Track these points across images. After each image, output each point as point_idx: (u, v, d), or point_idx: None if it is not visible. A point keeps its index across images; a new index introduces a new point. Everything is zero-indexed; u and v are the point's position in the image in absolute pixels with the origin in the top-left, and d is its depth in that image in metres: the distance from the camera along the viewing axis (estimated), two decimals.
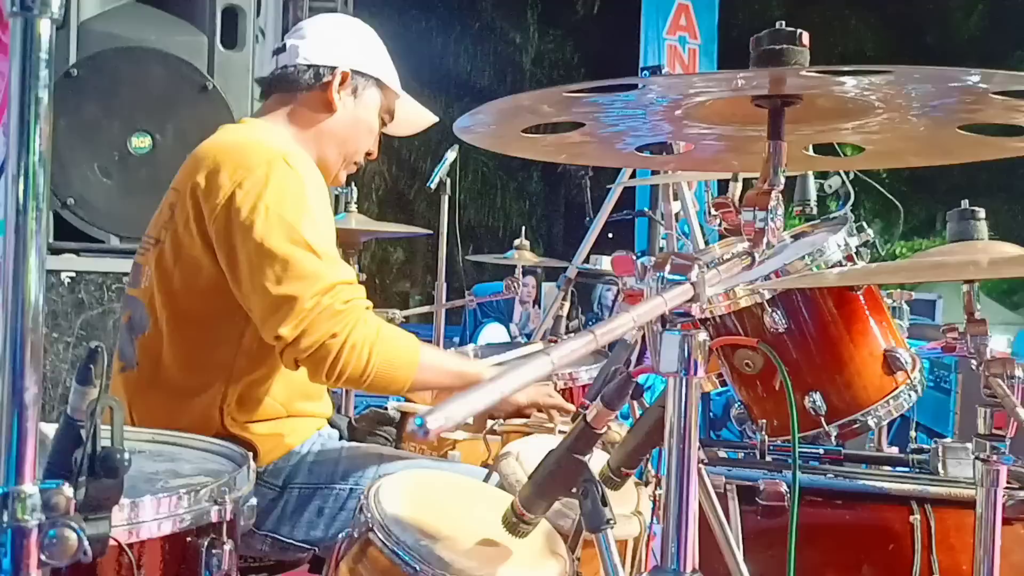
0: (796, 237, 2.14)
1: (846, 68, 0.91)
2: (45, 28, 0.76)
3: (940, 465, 1.85)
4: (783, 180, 1.06)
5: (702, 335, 0.90)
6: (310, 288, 1.71)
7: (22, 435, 0.77)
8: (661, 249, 4.22)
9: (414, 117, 2.27)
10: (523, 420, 2.22)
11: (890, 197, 2.31)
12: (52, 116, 0.77)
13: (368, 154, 2.13)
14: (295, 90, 2.00)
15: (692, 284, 0.87)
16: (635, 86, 1.04)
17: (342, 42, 2.04)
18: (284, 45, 2.05)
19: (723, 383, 2.36)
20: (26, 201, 0.75)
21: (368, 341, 1.73)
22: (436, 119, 2.30)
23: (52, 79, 0.76)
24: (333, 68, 2.00)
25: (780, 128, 1.06)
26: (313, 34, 2.04)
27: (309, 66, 2.00)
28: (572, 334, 3.68)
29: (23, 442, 0.77)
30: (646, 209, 4.04)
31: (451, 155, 3.70)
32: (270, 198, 1.74)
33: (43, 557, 0.79)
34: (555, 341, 3.45)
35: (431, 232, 3.79)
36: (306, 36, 2.03)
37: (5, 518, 0.77)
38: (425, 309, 4.00)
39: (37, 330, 0.76)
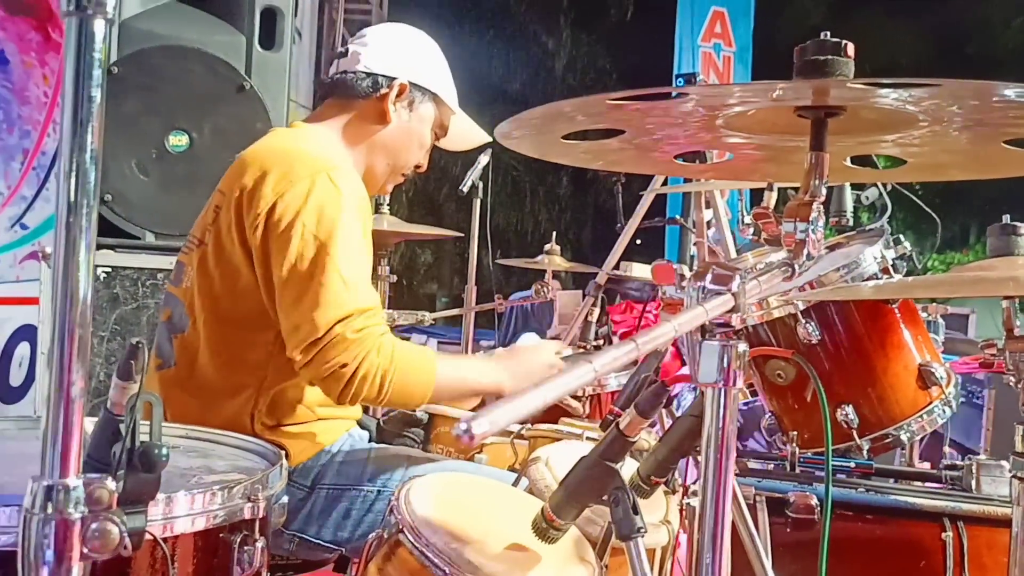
0: (831, 248, 2.12)
1: (892, 80, 0.90)
2: (99, 28, 0.77)
3: (974, 482, 1.82)
4: (824, 192, 1.05)
5: (742, 346, 0.89)
6: (325, 315, 1.71)
7: (68, 429, 0.78)
8: (692, 257, 4.20)
9: (467, 133, 2.26)
10: (551, 426, 2.22)
11: (927, 209, 2.28)
12: (104, 115, 0.78)
13: (417, 167, 2.13)
14: (352, 97, 2.00)
15: (733, 295, 0.87)
16: (680, 95, 1.04)
17: (403, 53, 2.04)
18: (347, 50, 2.05)
19: (752, 393, 2.34)
20: (77, 199, 0.76)
21: (380, 369, 1.73)
22: (489, 138, 2.28)
23: (105, 79, 0.77)
24: (392, 79, 2.00)
25: (823, 139, 1.05)
26: (375, 42, 2.03)
27: (368, 74, 1.99)
28: (600, 340, 3.68)
29: (68, 436, 0.78)
30: (678, 216, 4.02)
31: (484, 159, 3.70)
32: (307, 217, 1.75)
33: (85, 550, 0.80)
34: (584, 347, 3.44)
35: (462, 235, 3.79)
36: (368, 44, 2.03)
37: (49, 510, 0.79)
38: (454, 312, 4.02)
39: (85, 325, 0.78)
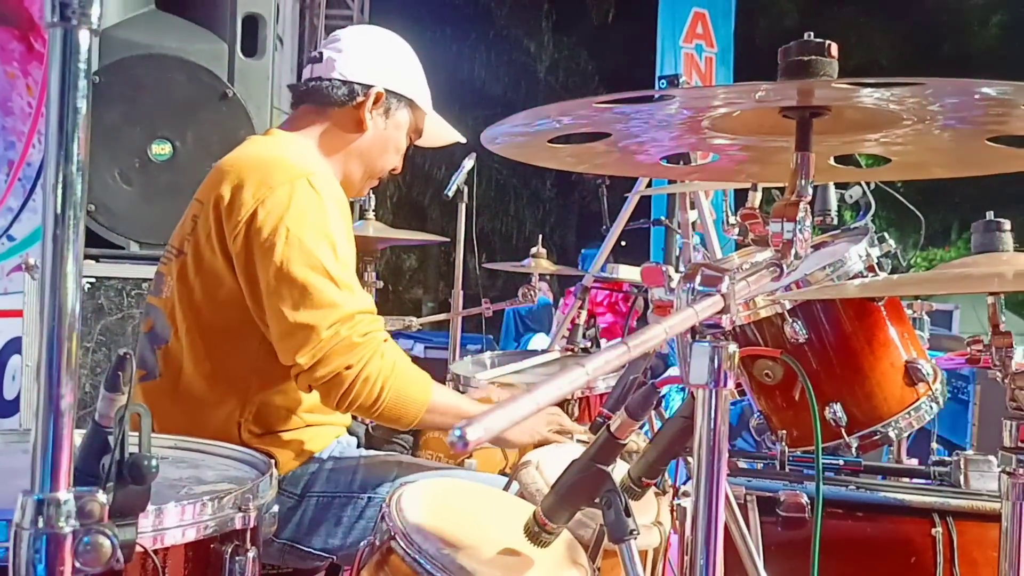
0: (816, 247, 2.13)
1: (876, 80, 0.91)
2: (84, 38, 0.77)
3: (962, 478, 1.83)
4: (811, 191, 1.06)
5: (732, 347, 0.89)
6: (328, 318, 1.71)
7: (57, 442, 0.77)
8: (676, 258, 4.22)
9: (439, 131, 2.26)
10: None
11: (911, 207, 2.29)
12: (89, 126, 0.77)
13: (392, 170, 2.13)
14: (327, 104, 1.99)
15: (723, 296, 0.87)
16: (665, 97, 1.04)
17: (379, 60, 2.03)
18: (320, 55, 2.03)
19: (741, 393, 2.35)
20: (64, 210, 0.76)
21: (383, 375, 1.73)
22: (463, 139, 2.29)
23: (90, 90, 0.77)
24: (368, 87, 1.99)
25: (808, 139, 1.06)
26: (350, 48, 2.02)
27: (344, 82, 1.98)
28: (588, 342, 3.68)
29: (58, 449, 0.77)
30: (663, 218, 4.04)
31: (468, 163, 3.70)
32: (291, 221, 1.74)
33: (78, 564, 0.79)
34: (572, 350, 3.44)
35: (448, 239, 3.79)
36: (343, 50, 2.01)
37: (40, 524, 0.78)
38: (441, 317, 4.00)
39: (73, 338, 0.77)
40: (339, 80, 1.98)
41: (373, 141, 2.03)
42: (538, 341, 6.61)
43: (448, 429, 1.95)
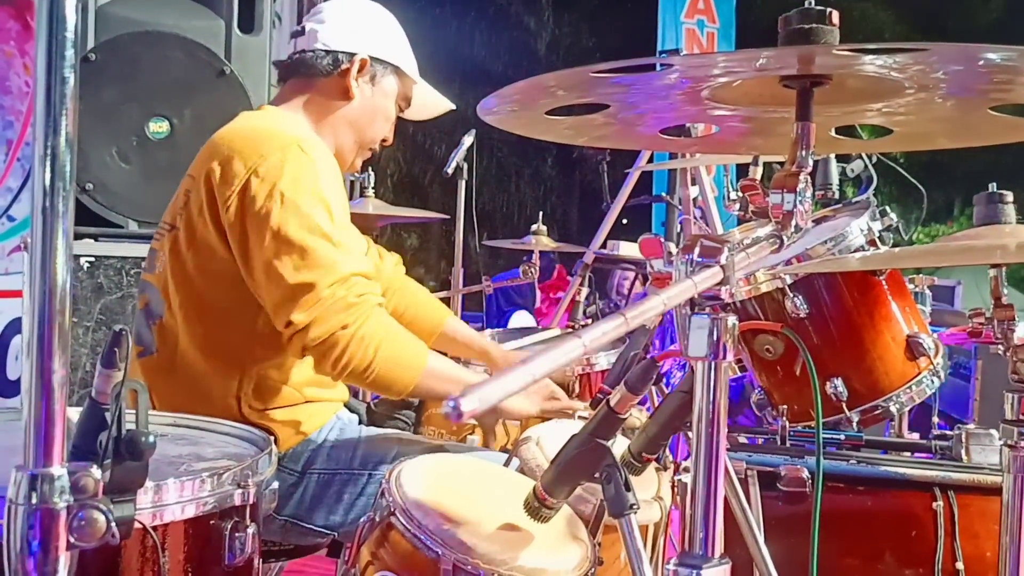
0: (817, 222, 2.12)
1: (878, 46, 0.89)
2: (70, 7, 0.75)
3: (964, 451, 1.83)
4: (811, 162, 1.05)
5: (732, 319, 0.88)
6: (327, 277, 1.70)
7: (50, 417, 0.77)
8: (677, 235, 4.20)
9: (430, 102, 2.25)
10: None
11: (913, 181, 2.27)
12: (78, 97, 0.76)
13: (383, 141, 2.12)
14: (313, 76, 1.99)
15: (722, 267, 0.86)
16: (666, 66, 1.02)
17: (361, 28, 2.02)
18: (303, 28, 2.03)
19: (742, 369, 2.35)
20: (53, 182, 0.75)
21: (376, 337, 1.72)
22: (452, 106, 2.28)
23: (78, 59, 0.76)
24: (352, 55, 1.98)
25: (808, 109, 1.05)
26: (332, 18, 2.02)
27: (327, 52, 1.98)
28: (590, 319, 3.68)
29: (51, 424, 0.77)
30: (664, 194, 4.02)
31: (468, 140, 3.68)
32: (285, 185, 1.74)
33: (72, 539, 0.79)
34: (572, 327, 3.44)
35: (448, 217, 3.78)
36: (325, 20, 2.01)
37: (34, 500, 0.77)
38: (441, 295, 3.99)
39: (64, 313, 0.76)
40: (323, 50, 1.98)
41: (361, 109, 2.02)
42: (519, 318, 6.59)
43: (442, 398, 1.97)
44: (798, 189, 1.02)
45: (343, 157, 2.04)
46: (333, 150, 1.99)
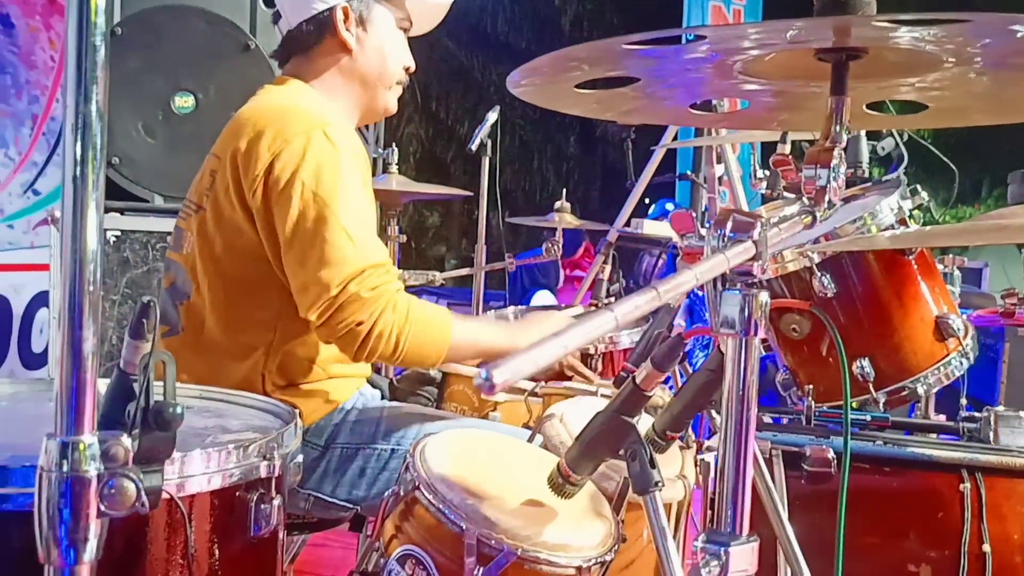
0: (847, 200, 2.09)
1: (918, 16, 0.87)
2: None
3: (992, 433, 1.81)
4: (846, 138, 1.03)
5: (764, 295, 0.87)
6: (338, 274, 1.70)
7: (80, 386, 0.77)
8: (703, 214, 4.17)
9: (428, 10, 2.12)
10: (565, 384, 2.21)
11: (944, 159, 2.24)
12: (108, 66, 0.76)
13: (407, 69, 2.04)
14: (307, 49, 1.95)
15: (754, 242, 0.85)
16: (697, 37, 1.01)
17: None
18: (276, 13, 2.00)
19: (767, 348, 2.33)
20: (84, 152, 0.74)
21: (396, 326, 1.72)
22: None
23: (108, 28, 0.75)
24: (329, 10, 1.92)
25: (844, 83, 1.03)
26: None
27: (306, 21, 1.93)
28: (612, 298, 3.66)
29: (82, 393, 0.77)
30: (689, 172, 3.99)
31: (492, 116, 3.66)
32: (305, 174, 1.73)
33: (102, 507, 0.79)
34: (596, 305, 3.43)
35: (471, 194, 3.77)
36: None
37: (65, 468, 0.78)
38: (464, 272, 3.99)
39: (95, 282, 0.76)
40: (303, 23, 1.93)
41: (367, 54, 1.96)
42: (541, 297, 6.59)
43: (475, 361, 1.96)
44: (832, 164, 1.00)
45: (374, 106, 2.01)
46: (360, 109, 1.97)
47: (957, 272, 2.28)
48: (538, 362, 0.59)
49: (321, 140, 1.76)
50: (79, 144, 0.75)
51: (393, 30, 2.00)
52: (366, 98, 2.01)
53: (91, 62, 0.75)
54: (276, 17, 2.01)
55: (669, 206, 5.81)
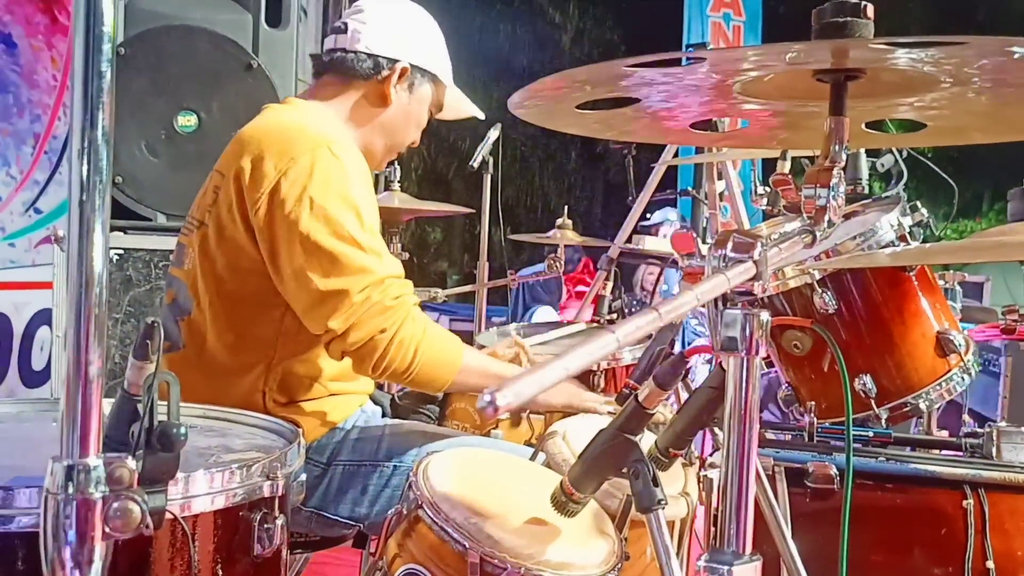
0: (847, 217, 2.10)
1: (915, 39, 0.88)
2: (108, 3, 0.76)
3: (995, 449, 1.81)
4: (845, 157, 1.04)
5: (764, 314, 0.88)
6: (360, 282, 1.71)
7: (86, 409, 0.77)
8: (703, 230, 4.18)
9: (457, 105, 2.22)
10: None
11: (944, 176, 2.25)
12: (115, 93, 0.77)
13: (411, 144, 2.12)
14: (351, 77, 1.98)
15: (755, 262, 0.85)
16: (696, 60, 1.02)
17: (404, 33, 2.01)
18: (345, 25, 2.01)
19: (769, 364, 2.33)
20: (90, 176, 0.75)
21: (415, 339, 1.74)
22: (481, 115, 2.26)
23: (114, 54, 0.76)
24: (394, 61, 1.97)
25: (842, 103, 1.04)
26: (376, 20, 1.99)
27: (369, 55, 1.96)
28: (614, 314, 3.66)
29: (87, 416, 0.77)
30: (690, 188, 4.00)
31: (493, 134, 3.67)
32: (315, 190, 1.74)
33: (107, 529, 0.80)
34: (597, 321, 3.43)
35: (473, 210, 3.78)
36: (368, 21, 1.99)
37: (70, 490, 0.78)
38: (467, 288, 4.00)
39: (101, 305, 0.77)
40: (364, 53, 1.97)
41: (396, 115, 2.02)
42: (543, 313, 6.59)
43: (478, 391, 1.97)
44: (831, 184, 1.01)
45: (372, 157, 2.04)
46: (363, 151, 1.99)
47: (958, 287, 2.29)
48: (541, 384, 0.59)
49: (327, 156, 1.77)
50: (85, 168, 0.76)
51: (425, 108, 2.07)
52: (374, 147, 2.04)
53: (97, 87, 0.76)
54: (339, 28, 2.00)
55: (671, 215, 5.83)
